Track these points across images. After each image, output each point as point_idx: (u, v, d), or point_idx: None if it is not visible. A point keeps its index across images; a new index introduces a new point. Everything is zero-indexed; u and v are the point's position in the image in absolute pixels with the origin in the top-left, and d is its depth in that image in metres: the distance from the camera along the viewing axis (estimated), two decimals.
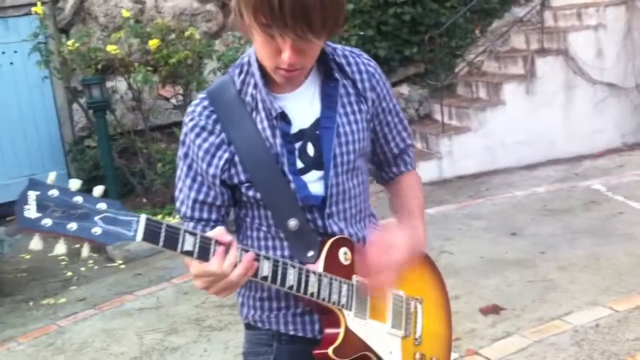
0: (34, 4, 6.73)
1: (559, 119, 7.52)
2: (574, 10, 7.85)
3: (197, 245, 1.47)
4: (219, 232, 1.54)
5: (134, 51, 6.70)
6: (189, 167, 1.70)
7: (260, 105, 1.67)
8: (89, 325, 4.70)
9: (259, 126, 1.66)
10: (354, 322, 1.70)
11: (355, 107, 1.76)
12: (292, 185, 1.66)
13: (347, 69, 1.76)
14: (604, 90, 7.58)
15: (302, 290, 1.61)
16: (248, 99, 1.68)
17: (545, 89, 7.45)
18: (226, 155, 1.66)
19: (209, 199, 1.70)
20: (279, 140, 1.66)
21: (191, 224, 1.72)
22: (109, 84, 6.66)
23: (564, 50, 7.48)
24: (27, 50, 6.62)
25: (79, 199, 1.36)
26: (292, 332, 1.77)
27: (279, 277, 1.58)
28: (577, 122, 7.56)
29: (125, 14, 6.70)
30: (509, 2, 8.43)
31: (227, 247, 1.52)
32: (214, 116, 1.67)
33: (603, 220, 5.51)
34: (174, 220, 6.15)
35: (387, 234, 1.73)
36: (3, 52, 7.28)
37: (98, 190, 1.38)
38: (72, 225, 1.35)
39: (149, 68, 6.47)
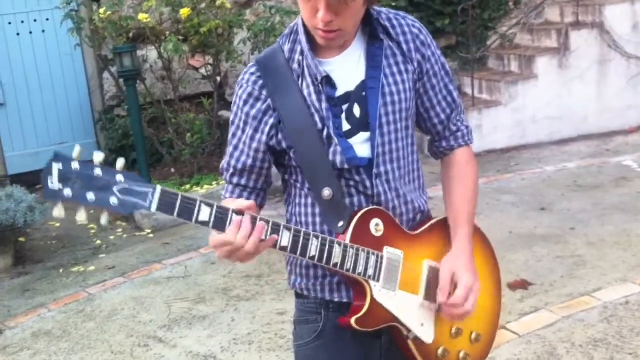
0: None
1: (591, 93, 7.39)
2: None
3: (213, 216, 1.52)
4: (238, 203, 1.59)
5: (165, 20, 6.69)
6: (234, 135, 1.80)
7: (306, 72, 1.72)
8: (118, 293, 4.76)
9: (305, 92, 1.71)
10: (381, 293, 1.71)
11: (402, 67, 1.77)
12: (332, 152, 1.69)
13: (392, 31, 1.78)
14: (639, 65, 7.43)
15: (324, 260, 1.64)
16: (295, 66, 1.73)
17: (579, 63, 7.32)
18: (272, 120, 1.72)
19: (248, 166, 1.77)
20: (324, 105, 1.70)
21: (230, 187, 1.82)
22: (139, 52, 6.66)
23: (599, 24, 7.33)
24: (59, 18, 6.63)
25: (98, 171, 1.44)
26: (337, 299, 1.80)
27: (300, 247, 1.61)
28: (610, 97, 7.43)
29: None
30: None
31: (244, 218, 1.56)
32: (260, 82, 1.73)
33: (634, 197, 5.43)
34: (201, 191, 6.18)
35: (459, 277, 1.75)
36: (35, 20, 7.31)
37: (120, 163, 1.46)
38: (91, 196, 1.43)
39: (180, 37, 6.47)
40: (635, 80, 7.45)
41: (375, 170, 1.73)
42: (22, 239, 5.81)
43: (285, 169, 1.81)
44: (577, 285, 4.09)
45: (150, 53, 6.99)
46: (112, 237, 5.92)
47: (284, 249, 1.60)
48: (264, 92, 1.72)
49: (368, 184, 1.73)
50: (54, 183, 1.41)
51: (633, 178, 5.88)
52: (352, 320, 1.69)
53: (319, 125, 1.69)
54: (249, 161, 1.77)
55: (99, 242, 5.84)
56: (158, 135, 7.09)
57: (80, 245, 5.81)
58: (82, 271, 5.23)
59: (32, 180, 7.21)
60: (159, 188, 1.47)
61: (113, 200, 1.44)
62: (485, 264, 1.93)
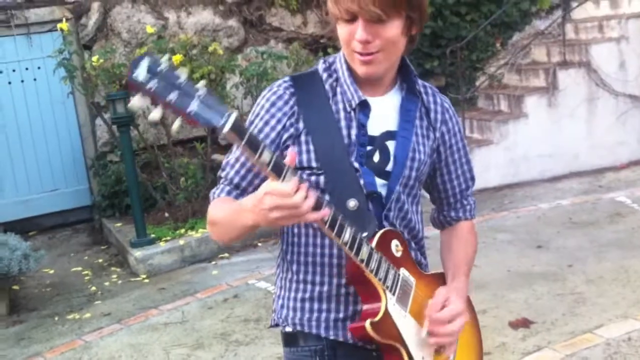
0: (58, 21, 6.79)
1: (581, 131, 7.48)
2: (595, 23, 7.82)
3: (273, 160, 1.47)
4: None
5: None
6: (254, 124, 1.75)
7: (338, 97, 1.74)
8: (115, 340, 4.69)
9: (335, 115, 1.72)
10: (394, 308, 1.70)
11: (425, 132, 1.82)
12: (359, 170, 1.70)
13: (424, 97, 1.83)
14: (627, 102, 7.54)
15: (354, 250, 1.60)
16: (327, 87, 1.75)
17: (568, 102, 7.41)
18: (292, 130, 1.72)
19: (256, 169, 1.72)
20: (354, 131, 1.72)
21: (227, 188, 1.76)
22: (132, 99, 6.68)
23: (586, 63, 7.44)
24: (51, 67, 6.66)
25: (183, 78, 1.41)
26: (332, 337, 1.77)
27: (337, 227, 1.56)
28: (600, 134, 7.51)
29: (150, 30, 6.74)
30: (529, 15, 8.41)
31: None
32: (292, 89, 1.75)
33: (630, 233, 5.45)
34: (197, 235, 6.15)
35: (451, 300, 1.77)
36: (27, 68, 7.33)
37: (201, 82, 1.45)
38: (173, 95, 1.39)
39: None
40: (624, 117, 7.55)
41: (384, 212, 1.74)
42: (16, 287, 5.75)
43: None
44: (578, 322, 4.08)
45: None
46: (106, 283, 5.86)
47: (324, 223, 1.54)
48: (293, 100, 1.73)
49: (377, 219, 1.73)
50: (141, 74, 1.38)
51: (627, 214, 5.91)
52: (367, 323, 1.65)
53: (346, 140, 1.71)
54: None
55: (93, 288, 5.78)
56: (151, 180, 7.08)
57: (75, 292, 5.75)
58: (77, 318, 5.17)
59: (25, 227, 7.20)
60: (235, 112, 1.45)
61: (192, 107, 1.40)
62: (470, 326, 1.95)
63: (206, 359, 4.23)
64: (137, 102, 1.41)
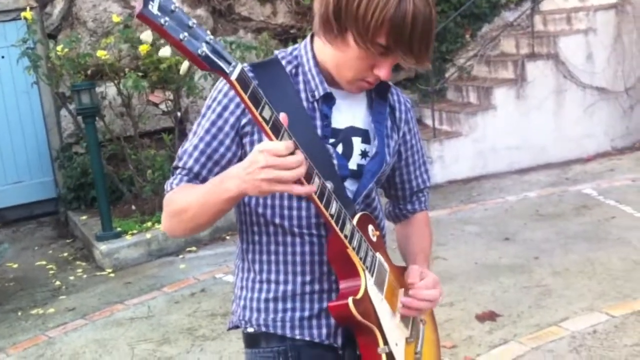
0: (22, 9, 6.66)
1: (549, 123, 7.52)
2: (563, 15, 7.85)
3: (272, 119, 1.42)
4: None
5: (124, 56, 6.63)
6: (208, 120, 1.68)
7: (300, 86, 1.69)
8: (79, 335, 4.63)
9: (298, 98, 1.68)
10: (372, 289, 1.68)
11: (390, 133, 1.82)
12: (332, 151, 1.67)
13: (390, 97, 1.82)
14: (594, 95, 7.59)
15: (339, 226, 1.57)
16: (287, 73, 1.70)
17: (536, 93, 7.45)
18: (248, 128, 1.66)
19: (216, 156, 1.67)
20: (318, 122, 1.68)
21: (186, 177, 1.68)
22: (98, 89, 6.57)
23: (554, 55, 7.48)
24: (15, 56, 6.53)
25: (194, 22, 1.36)
26: (298, 337, 1.73)
27: (325, 198, 1.53)
28: (567, 126, 7.56)
29: (116, 19, 6.63)
30: (499, 6, 8.43)
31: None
32: (251, 74, 1.62)
33: (595, 225, 5.50)
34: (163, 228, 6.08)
35: (426, 273, 1.79)
36: None
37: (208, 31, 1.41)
38: (184, 36, 1.34)
39: (139, 73, 6.41)
40: (591, 109, 7.60)
41: (356, 206, 1.72)
42: None
43: None
44: (544, 315, 4.10)
45: (109, 89, 6.91)
46: (71, 278, 5.78)
47: (314, 192, 1.50)
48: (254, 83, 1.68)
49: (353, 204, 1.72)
50: (153, 7, 1.31)
51: (593, 206, 5.95)
52: (350, 300, 1.61)
53: (313, 125, 1.68)
54: (220, 151, 1.67)
55: (58, 283, 5.69)
56: (118, 172, 6.99)
57: (39, 287, 5.66)
58: (41, 313, 5.08)
59: None
60: (240, 64, 1.41)
61: (202, 49, 1.35)
62: (430, 323, 1.96)
63: (172, 354, 4.19)
64: (147, 35, 1.37)
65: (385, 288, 1.72)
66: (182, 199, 1.63)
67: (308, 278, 1.72)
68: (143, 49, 6.26)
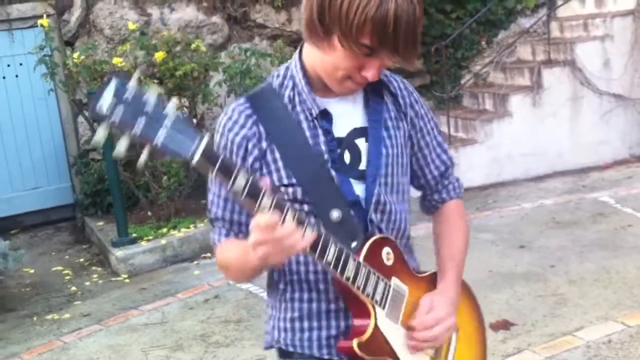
0: (40, 17, 6.72)
1: (565, 130, 7.47)
2: (580, 21, 7.81)
3: (248, 185, 1.41)
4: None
5: (140, 63, 6.67)
6: None
7: (298, 108, 1.68)
8: (94, 341, 4.65)
9: (298, 126, 1.67)
10: (384, 322, 1.65)
11: (395, 123, 1.77)
12: (336, 179, 1.65)
13: (390, 85, 1.78)
14: (611, 102, 7.54)
15: (339, 270, 1.56)
16: (285, 100, 1.69)
17: (552, 100, 7.40)
18: (256, 151, 1.66)
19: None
20: (321, 139, 1.66)
21: (223, 229, 1.72)
22: None
23: (570, 61, 7.44)
24: (33, 63, 6.60)
25: (152, 104, 1.34)
26: (326, 357, 1.72)
27: (319, 247, 1.52)
28: (584, 133, 7.51)
29: (132, 26, 6.68)
30: (514, 13, 8.40)
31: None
32: (248, 111, 1.67)
33: (612, 233, 5.45)
34: (179, 234, 6.11)
35: (435, 306, 1.72)
36: (8, 65, 7.26)
37: (172, 102, 1.37)
38: (139, 125, 1.32)
39: (155, 80, 6.45)
40: (608, 116, 7.55)
41: (369, 217, 1.69)
42: None
43: None
44: (559, 324, 4.07)
45: None
46: (87, 283, 5.81)
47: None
48: (250, 121, 1.66)
49: (362, 226, 1.68)
50: (106, 99, 1.30)
51: (610, 214, 5.90)
52: (355, 343, 1.60)
53: (315, 150, 1.66)
54: None
55: (73, 288, 5.73)
56: (134, 179, 7.02)
57: (55, 292, 5.69)
58: (56, 319, 5.12)
59: (6, 225, 7.13)
60: (206, 137, 1.38)
61: (160, 133, 1.32)
62: (471, 319, 1.91)
63: None
64: (100, 134, 1.33)
65: (402, 314, 1.69)
66: (225, 259, 1.68)
67: (332, 296, 1.70)
68: (159, 56, 6.31)
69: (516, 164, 7.33)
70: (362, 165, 1.70)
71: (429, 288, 1.78)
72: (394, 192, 1.75)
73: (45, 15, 6.70)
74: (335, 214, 1.63)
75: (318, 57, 1.63)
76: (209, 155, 1.37)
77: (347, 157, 1.70)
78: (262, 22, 7.93)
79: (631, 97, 7.57)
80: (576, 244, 5.29)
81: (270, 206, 1.43)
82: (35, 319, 5.17)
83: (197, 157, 1.36)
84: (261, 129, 1.66)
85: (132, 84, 1.33)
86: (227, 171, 1.40)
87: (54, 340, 4.73)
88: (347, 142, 1.70)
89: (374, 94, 1.75)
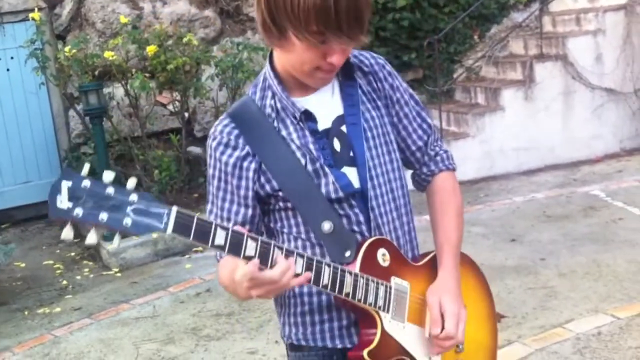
0: (31, 10, 6.70)
1: (557, 124, 7.49)
2: (572, 16, 7.82)
3: (229, 240, 1.44)
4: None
5: (132, 57, 6.65)
6: (218, 188, 1.72)
7: (282, 113, 1.70)
8: (85, 334, 4.64)
9: (284, 133, 1.69)
10: (391, 325, 1.67)
11: (374, 104, 1.78)
12: (324, 184, 1.67)
13: (361, 65, 1.79)
14: (603, 96, 7.55)
15: (337, 289, 1.58)
16: (268, 110, 1.70)
17: (544, 95, 7.42)
18: (253, 165, 1.67)
19: (239, 218, 1.70)
20: (310, 139, 1.68)
21: None
22: (105, 90, 6.60)
23: (562, 56, 7.45)
24: (24, 57, 6.57)
25: (111, 190, 1.36)
26: (339, 346, 1.73)
27: (313, 275, 1.54)
28: (576, 127, 7.52)
29: (124, 20, 6.66)
30: (507, 7, 8.40)
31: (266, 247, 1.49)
32: (235, 132, 1.69)
33: (603, 227, 5.47)
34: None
35: (447, 309, 1.73)
36: None
37: (131, 182, 1.37)
38: (104, 216, 1.34)
39: (147, 74, 6.44)
40: (600, 110, 7.56)
41: (369, 204, 1.70)
42: None
43: (269, 216, 1.75)
44: (549, 316, 4.08)
45: (116, 90, 6.93)
46: (78, 277, 5.80)
47: (297, 275, 1.51)
48: (240, 141, 1.68)
49: (363, 218, 1.70)
50: (63, 202, 1.32)
51: (601, 207, 5.92)
52: (365, 353, 1.62)
53: (303, 161, 1.67)
54: (249, 211, 1.70)
55: (65, 282, 5.72)
56: (125, 173, 7.00)
57: (46, 286, 5.68)
58: (47, 313, 5.11)
59: None
60: (174, 209, 1.39)
61: (126, 221, 1.35)
62: (479, 297, 1.92)
63: (176, 354, 4.20)
64: (66, 234, 1.36)
65: (407, 311, 1.71)
66: (223, 279, 1.68)
67: None
68: (150, 50, 6.29)
69: (508, 158, 7.35)
70: (352, 152, 1.72)
71: (431, 275, 1.79)
72: (392, 171, 1.77)
73: (36, 9, 6.68)
74: (327, 226, 1.65)
75: (284, 58, 1.66)
76: (181, 224, 1.39)
77: (337, 145, 1.71)
78: (254, 16, 7.89)
79: (623, 92, 7.59)
80: (567, 238, 5.31)
81: (256, 250, 1.46)
82: (26, 312, 5.16)
83: (170, 229, 1.38)
84: (250, 145, 1.68)
85: (84, 174, 1.35)
86: (203, 232, 1.42)
87: (45, 334, 4.73)
88: (334, 130, 1.72)
89: (345, 77, 1.76)
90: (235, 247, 1.45)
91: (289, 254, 1.50)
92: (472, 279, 1.91)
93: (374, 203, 1.71)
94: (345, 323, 1.72)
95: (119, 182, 1.37)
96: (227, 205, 1.71)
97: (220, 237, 1.43)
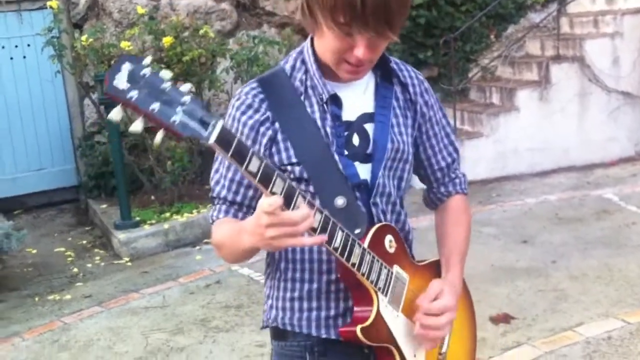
0: None
1: (572, 126, 7.45)
2: (590, 18, 7.77)
3: (262, 169, 1.42)
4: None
5: (148, 48, 6.66)
6: None
7: (310, 91, 1.71)
8: (95, 322, 4.66)
9: (308, 110, 1.69)
10: (386, 309, 1.67)
11: (404, 112, 1.80)
12: (340, 163, 1.67)
13: (400, 74, 1.81)
14: (619, 99, 7.51)
15: (346, 255, 1.57)
16: (297, 83, 1.72)
17: (560, 96, 7.38)
18: (269, 132, 1.68)
19: (246, 181, 1.69)
20: (329, 123, 1.69)
21: (223, 207, 1.74)
22: None
23: (579, 58, 7.41)
24: (41, 45, 6.59)
25: (167, 85, 1.33)
26: (324, 335, 1.73)
27: (328, 231, 1.52)
28: (591, 130, 7.48)
29: (141, 10, 6.67)
30: (524, 7, 8.36)
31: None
32: (261, 96, 1.70)
33: (615, 230, 5.44)
34: (182, 219, 6.12)
35: (445, 295, 1.72)
36: (16, 46, 7.26)
37: (186, 86, 1.36)
38: (155, 106, 1.31)
39: (162, 65, 6.44)
40: (616, 113, 7.52)
41: (372, 200, 1.71)
42: None
43: None
44: (559, 319, 4.07)
45: None
46: (89, 265, 5.83)
47: (314, 230, 1.49)
48: (264, 105, 1.68)
49: (364, 209, 1.70)
50: (121, 82, 1.30)
51: (614, 211, 5.89)
52: (358, 329, 1.61)
53: (325, 139, 1.67)
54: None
55: (75, 270, 5.74)
56: (138, 163, 7.03)
57: (57, 273, 5.71)
58: (58, 300, 5.13)
59: (9, 206, 7.15)
60: (221, 121, 1.37)
61: (175, 118, 1.31)
62: (463, 310, 1.91)
63: (185, 345, 4.21)
64: (116, 114, 1.33)
65: (403, 302, 1.71)
66: (219, 237, 1.69)
67: (333, 276, 1.71)
68: (167, 41, 6.30)
69: (521, 159, 7.32)
70: (370, 150, 1.72)
71: (428, 277, 1.79)
72: (395, 179, 1.77)
73: None
74: (340, 201, 1.64)
75: (319, 44, 1.68)
76: (224, 138, 1.37)
77: (355, 140, 1.72)
78: (271, 10, 7.91)
79: (639, 95, 7.54)
80: (579, 241, 5.29)
81: (283, 189, 1.44)
82: (36, 299, 5.19)
83: (212, 139, 1.35)
84: (273, 111, 1.68)
85: (147, 65, 1.33)
86: (241, 154, 1.40)
87: (55, 321, 4.75)
88: (357, 125, 1.73)
89: (384, 80, 1.78)
90: (265, 177, 1.42)
91: (310, 205, 1.48)
92: (463, 298, 1.90)
93: (378, 200, 1.72)
94: (333, 313, 1.72)
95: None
96: (232, 167, 1.69)
97: (254, 165, 1.40)
